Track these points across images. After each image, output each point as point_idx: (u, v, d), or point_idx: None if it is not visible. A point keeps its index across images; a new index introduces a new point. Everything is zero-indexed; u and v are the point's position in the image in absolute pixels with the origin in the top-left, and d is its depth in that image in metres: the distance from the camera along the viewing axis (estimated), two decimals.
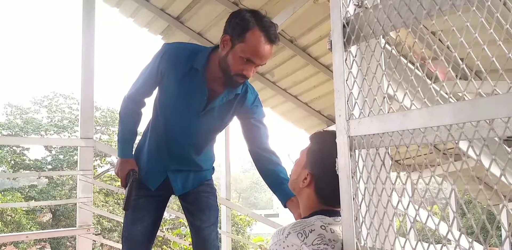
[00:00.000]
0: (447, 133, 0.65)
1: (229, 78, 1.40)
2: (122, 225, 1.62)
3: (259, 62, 1.36)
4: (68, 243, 13.47)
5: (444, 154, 4.45)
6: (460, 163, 0.73)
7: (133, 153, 1.61)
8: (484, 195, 0.69)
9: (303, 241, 0.84)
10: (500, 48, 0.60)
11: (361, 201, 0.79)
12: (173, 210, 3.91)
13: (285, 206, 1.37)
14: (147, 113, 1.63)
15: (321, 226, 0.89)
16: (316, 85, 4.16)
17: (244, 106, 1.52)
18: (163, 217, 1.64)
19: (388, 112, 0.75)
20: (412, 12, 0.72)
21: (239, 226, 14.85)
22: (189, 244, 3.94)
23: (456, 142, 0.64)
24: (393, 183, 0.74)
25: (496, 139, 0.60)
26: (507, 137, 0.62)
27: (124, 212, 1.60)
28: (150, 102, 1.61)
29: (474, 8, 0.63)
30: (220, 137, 3.90)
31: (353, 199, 0.80)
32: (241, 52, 1.34)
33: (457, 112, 0.62)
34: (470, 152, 0.63)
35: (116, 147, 1.61)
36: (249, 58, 1.34)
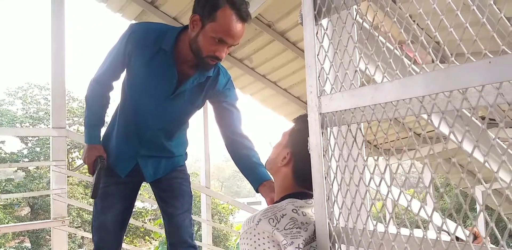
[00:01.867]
0: (419, 105, 0.62)
1: (201, 60, 1.34)
2: (92, 215, 1.56)
3: (232, 42, 1.31)
4: (47, 237, 13.27)
5: (421, 136, 4.50)
6: (437, 146, 0.70)
7: (101, 139, 1.54)
8: (459, 174, 0.67)
9: (274, 226, 0.81)
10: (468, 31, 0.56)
11: (333, 180, 0.76)
12: (154, 200, 3.85)
13: (257, 191, 1.33)
14: (115, 99, 1.56)
15: (292, 210, 0.86)
16: (295, 71, 4.13)
17: (216, 90, 1.47)
18: (145, 207, 1.58)
19: (360, 87, 0.72)
20: None
21: (222, 214, 14.89)
22: None
23: (429, 114, 0.61)
24: (365, 159, 0.71)
25: (465, 112, 0.58)
26: (489, 119, 0.59)
27: (93, 201, 1.54)
28: (118, 86, 1.54)
29: None
30: (199, 124, 3.86)
31: (325, 178, 0.77)
32: (212, 32, 1.28)
33: (430, 82, 0.59)
34: (443, 129, 0.60)
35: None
36: (221, 38, 1.29)
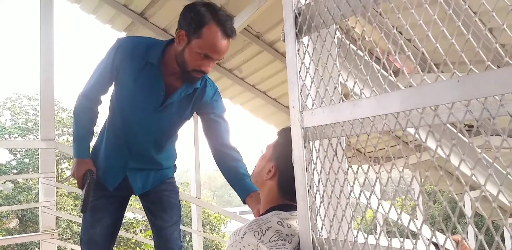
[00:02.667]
0: (394, 120, 0.65)
1: (186, 73, 1.37)
2: (81, 228, 1.56)
3: (217, 57, 1.34)
4: (36, 249, 13.05)
5: (407, 144, 4.56)
6: (420, 153, 0.72)
7: (89, 153, 1.55)
8: (445, 182, 0.70)
9: (259, 239, 0.83)
10: (466, 41, 0.59)
11: (316, 192, 0.78)
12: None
13: (244, 202, 1.35)
14: (103, 112, 1.57)
15: (277, 222, 0.88)
16: (284, 81, 4.17)
17: (204, 101, 1.49)
18: (136, 218, 1.59)
19: (339, 102, 0.75)
20: (360, 0, 0.72)
21: (214, 224, 14.79)
22: None
23: (403, 130, 0.64)
24: (346, 173, 0.73)
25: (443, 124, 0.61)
26: (468, 126, 0.62)
27: (82, 215, 1.54)
28: (106, 100, 1.55)
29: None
30: (189, 135, 3.87)
31: (308, 190, 0.79)
32: (198, 48, 1.31)
33: (404, 99, 0.62)
34: (430, 143, 0.63)
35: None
36: (207, 54, 1.31)
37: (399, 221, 0.63)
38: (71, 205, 13.00)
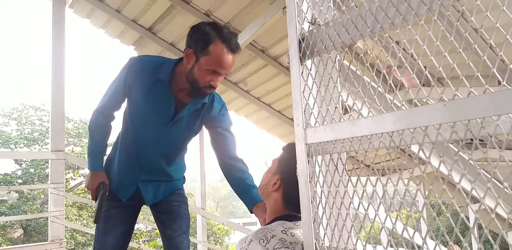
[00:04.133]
0: (389, 139, 0.72)
1: (198, 90, 1.45)
2: (94, 237, 1.62)
3: (225, 72, 1.43)
4: None
5: (410, 156, 4.60)
6: (424, 166, 0.78)
7: (103, 165, 1.63)
8: (448, 194, 0.75)
9: (264, 246, 0.89)
10: (459, 56, 0.66)
11: (319, 204, 0.85)
12: (149, 221, 3.89)
13: (251, 212, 1.41)
14: (116, 127, 1.65)
15: (281, 231, 0.95)
16: (288, 94, 4.25)
17: (211, 115, 1.57)
18: (140, 229, 1.65)
19: (339, 121, 0.82)
20: (358, 29, 0.79)
21: (217, 235, 14.75)
22: None
23: (397, 147, 0.71)
24: (345, 185, 0.80)
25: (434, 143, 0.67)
26: (467, 140, 0.68)
27: (95, 226, 1.61)
28: (119, 116, 1.63)
29: (423, 21, 0.71)
30: (194, 147, 3.94)
31: (311, 202, 0.85)
32: (206, 65, 1.40)
33: (397, 120, 0.69)
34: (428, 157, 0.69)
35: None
36: (215, 69, 1.40)
37: (395, 230, 0.70)
38: (75, 215, 13.03)
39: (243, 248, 0.89)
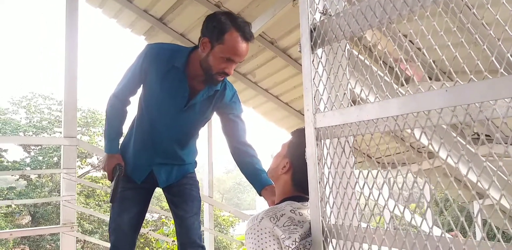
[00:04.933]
0: (394, 122, 0.77)
1: (211, 76, 1.51)
2: (109, 217, 1.70)
3: (238, 60, 1.49)
4: (48, 246, 13.29)
5: (419, 152, 4.64)
6: (432, 160, 0.83)
7: (119, 148, 1.70)
8: (455, 189, 0.79)
9: (275, 223, 0.95)
10: (463, 50, 0.70)
11: (326, 184, 0.90)
12: (160, 208, 3.99)
13: (260, 194, 1.48)
14: (132, 111, 1.72)
15: (290, 210, 1.00)
16: (296, 86, 4.29)
17: (223, 102, 1.64)
18: (146, 218, 1.73)
19: (347, 106, 0.87)
20: (367, 20, 0.84)
21: (222, 226, 14.91)
22: (172, 241, 4.01)
23: (401, 130, 0.76)
24: (352, 167, 0.85)
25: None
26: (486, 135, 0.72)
27: (110, 205, 1.69)
28: (135, 101, 1.70)
29: (428, 13, 0.75)
30: (202, 137, 4.00)
31: (319, 182, 0.91)
32: (221, 53, 1.45)
33: (402, 105, 0.74)
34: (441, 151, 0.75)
35: (101, 145, 1.69)
36: (229, 57, 1.46)
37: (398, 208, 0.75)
38: (82, 203, 13.23)
39: (255, 224, 0.95)
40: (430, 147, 0.74)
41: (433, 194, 0.74)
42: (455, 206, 0.68)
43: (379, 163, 4.39)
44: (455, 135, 0.70)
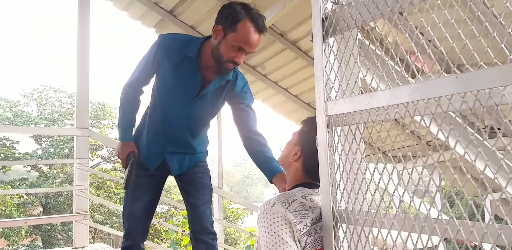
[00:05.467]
0: (404, 109, 0.79)
1: (220, 64, 1.54)
2: (123, 204, 1.74)
3: (249, 50, 1.51)
4: (59, 236, 13.53)
5: (428, 145, 4.63)
6: (443, 153, 0.84)
7: (132, 136, 1.73)
8: (459, 181, 0.80)
9: (286, 208, 0.98)
10: (473, 41, 0.71)
11: (336, 170, 0.92)
12: (170, 199, 4.04)
13: (271, 182, 1.51)
14: (145, 100, 1.75)
15: (301, 196, 1.03)
16: (306, 78, 4.30)
17: (234, 92, 1.66)
18: (155, 210, 1.78)
19: (358, 94, 0.89)
20: (379, 9, 0.85)
21: (231, 219, 15.04)
22: (183, 231, 4.07)
23: (412, 117, 0.78)
24: (362, 152, 0.87)
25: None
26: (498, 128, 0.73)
27: (124, 192, 1.73)
28: (148, 90, 1.73)
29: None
30: (212, 130, 4.04)
31: (330, 168, 0.93)
32: (233, 41, 1.48)
33: (412, 92, 0.76)
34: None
35: (111, 138, 1.73)
36: (241, 46, 1.48)
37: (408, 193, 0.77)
38: (93, 194, 13.41)
39: (267, 209, 0.98)
40: (439, 135, 0.76)
41: (442, 178, 0.76)
42: (464, 190, 0.70)
43: (387, 155, 4.39)
44: (464, 126, 0.72)
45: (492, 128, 0.68)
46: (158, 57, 1.59)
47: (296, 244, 0.94)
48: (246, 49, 1.50)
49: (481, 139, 0.74)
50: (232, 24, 1.47)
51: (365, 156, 0.93)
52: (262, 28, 1.49)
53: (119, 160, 1.73)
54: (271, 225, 0.95)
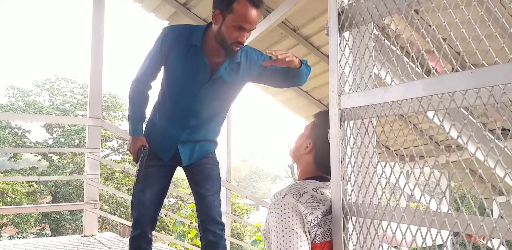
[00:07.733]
0: (418, 104, 0.79)
1: (227, 47, 1.57)
2: (132, 194, 1.77)
3: (250, 27, 1.54)
4: (67, 225, 13.73)
5: (438, 145, 4.60)
6: (453, 153, 0.84)
7: (143, 130, 1.76)
8: (478, 184, 0.80)
9: (297, 200, 0.99)
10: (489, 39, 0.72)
11: (348, 163, 0.93)
12: (177, 190, 4.09)
13: None
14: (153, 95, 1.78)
15: (312, 189, 1.04)
16: (318, 74, 4.28)
17: (253, 64, 1.69)
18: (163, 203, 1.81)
19: (372, 88, 0.89)
20: (396, 3, 0.85)
21: (237, 214, 15.12)
22: (190, 223, 4.11)
23: (425, 111, 0.78)
24: (374, 146, 0.88)
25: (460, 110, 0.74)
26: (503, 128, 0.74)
27: (134, 182, 1.76)
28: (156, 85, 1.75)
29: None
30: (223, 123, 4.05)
31: (341, 161, 0.94)
32: (232, 22, 1.51)
33: (426, 86, 0.76)
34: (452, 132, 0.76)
35: (126, 128, 1.77)
36: (241, 25, 1.52)
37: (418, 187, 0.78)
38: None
39: (278, 199, 0.99)
40: (451, 132, 0.76)
41: (453, 174, 0.76)
42: (475, 184, 0.70)
43: (397, 154, 4.38)
44: (476, 123, 0.72)
45: (504, 129, 0.68)
46: (164, 49, 1.62)
47: (306, 235, 0.95)
48: (247, 27, 1.53)
49: (493, 137, 0.74)
50: (228, 6, 1.50)
51: (378, 142, 0.93)
52: (257, 3, 1.53)
53: (128, 152, 1.77)
54: (282, 215, 0.96)
